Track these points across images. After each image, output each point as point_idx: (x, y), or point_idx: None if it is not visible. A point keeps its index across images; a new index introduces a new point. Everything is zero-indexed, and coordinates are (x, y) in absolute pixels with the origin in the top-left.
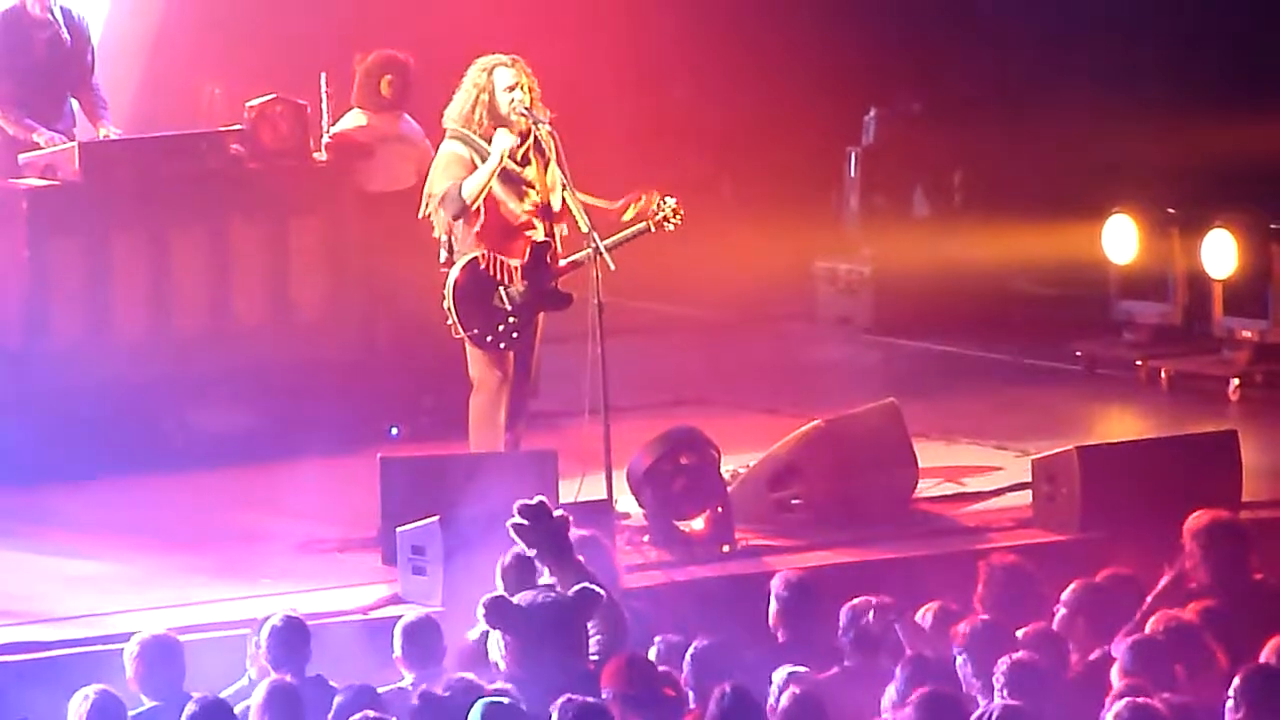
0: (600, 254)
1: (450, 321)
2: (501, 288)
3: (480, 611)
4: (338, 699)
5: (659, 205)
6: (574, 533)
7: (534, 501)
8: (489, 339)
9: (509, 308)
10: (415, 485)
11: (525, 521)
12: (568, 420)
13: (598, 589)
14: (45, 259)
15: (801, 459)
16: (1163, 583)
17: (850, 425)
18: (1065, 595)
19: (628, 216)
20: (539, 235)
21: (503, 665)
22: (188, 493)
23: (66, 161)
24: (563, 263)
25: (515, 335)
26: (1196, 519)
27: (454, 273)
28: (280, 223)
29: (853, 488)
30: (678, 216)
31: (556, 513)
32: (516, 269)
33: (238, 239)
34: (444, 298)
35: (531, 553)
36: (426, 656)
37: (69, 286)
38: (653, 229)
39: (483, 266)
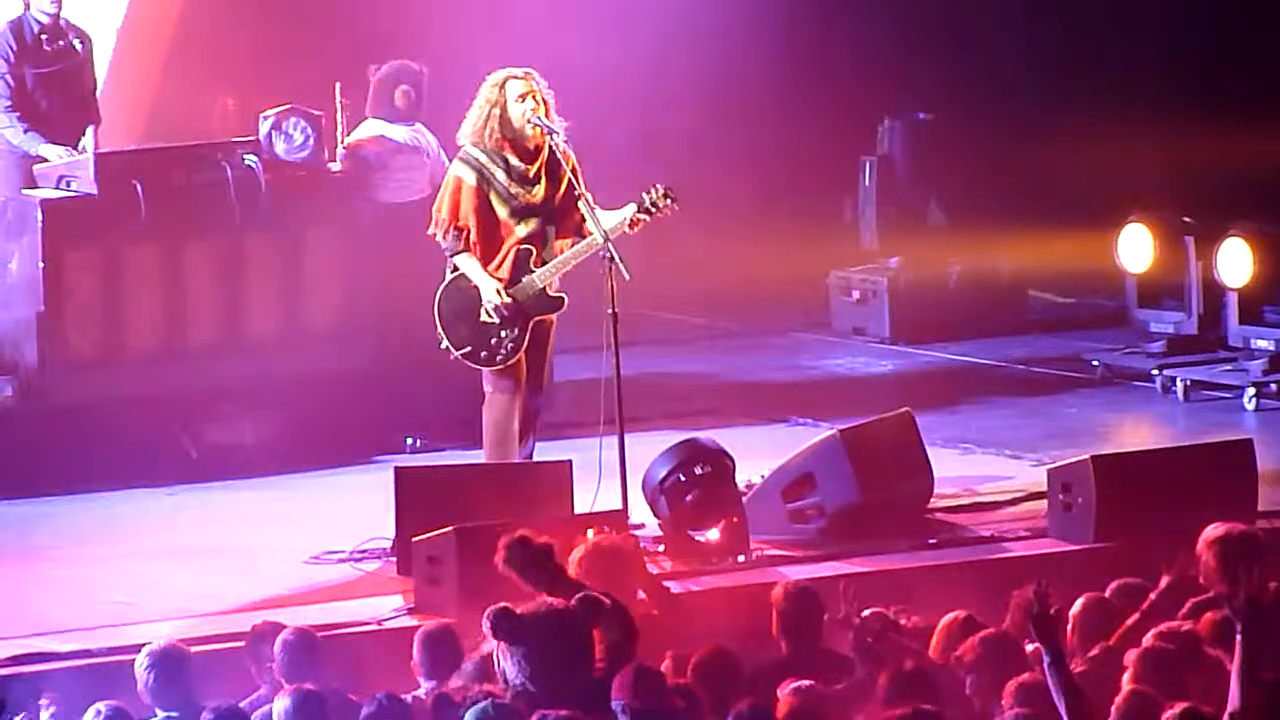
0: (615, 264)
1: (444, 345)
2: (486, 301)
3: (485, 625)
4: (366, 709)
5: (649, 192)
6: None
7: (515, 537)
8: (483, 355)
9: (497, 320)
10: (430, 496)
11: (510, 563)
12: (583, 430)
13: (601, 596)
14: (60, 270)
15: (816, 469)
16: (1162, 585)
17: (865, 435)
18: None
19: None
20: (535, 253)
21: (510, 676)
22: (202, 504)
23: (81, 173)
24: (564, 255)
25: (512, 346)
26: (1213, 530)
27: (437, 295)
28: (295, 233)
29: (868, 498)
30: (668, 200)
31: (539, 541)
32: (504, 281)
33: (252, 250)
34: (434, 322)
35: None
36: (444, 666)
37: (83, 297)
38: (642, 214)
39: (464, 284)
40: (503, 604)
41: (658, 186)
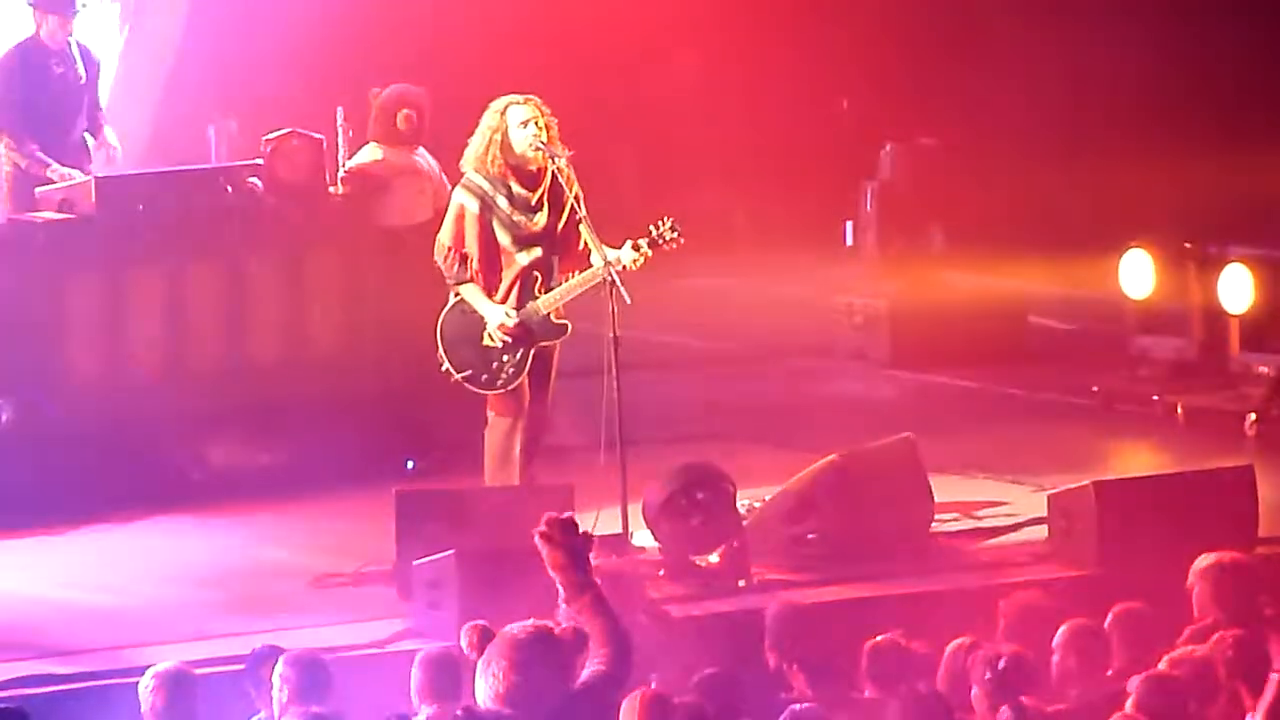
0: (616, 288)
1: (444, 367)
2: (493, 326)
3: (464, 641)
4: None
5: (656, 226)
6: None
7: (563, 516)
8: (484, 379)
9: (500, 345)
10: (431, 519)
11: (551, 535)
12: (584, 454)
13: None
14: (61, 293)
15: (817, 493)
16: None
17: (866, 460)
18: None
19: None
20: (540, 280)
21: (483, 696)
22: (204, 528)
23: (83, 196)
24: (570, 283)
25: (514, 370)
26: (1202, 560)
27: (440, 318)
28: (296, 257)
29: (868, 522)
30: (674, 234)
31: (581, 530)
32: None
33: (253, 274)
34: (436, 345)
35: (555, 575)
36: (446, 690)
37: (84, 321)
38: (648, 250)
39: (468, 307)
40: (480, 621)
41: (665, 219)
